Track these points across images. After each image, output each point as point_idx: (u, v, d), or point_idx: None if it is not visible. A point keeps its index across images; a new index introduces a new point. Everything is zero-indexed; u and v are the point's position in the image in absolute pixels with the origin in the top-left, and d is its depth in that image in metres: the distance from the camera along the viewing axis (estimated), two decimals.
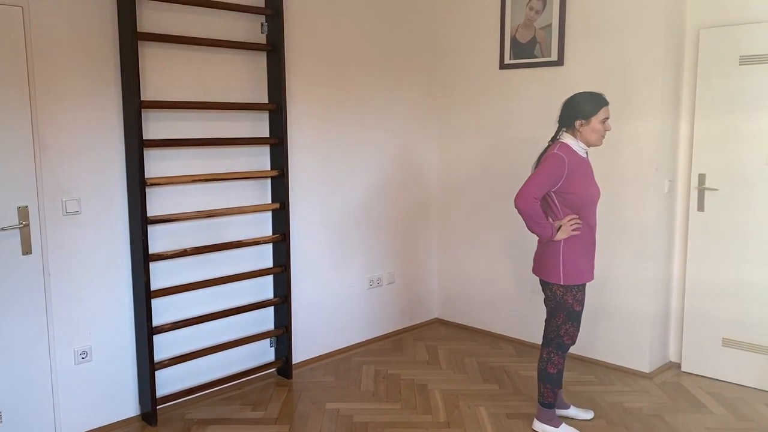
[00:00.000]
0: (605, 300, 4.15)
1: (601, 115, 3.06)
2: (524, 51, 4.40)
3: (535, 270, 3.25)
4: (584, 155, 3.14)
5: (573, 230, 3.08)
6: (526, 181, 3.06)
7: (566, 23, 4.17)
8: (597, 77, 4.07)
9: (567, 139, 3.13)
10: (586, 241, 3.14)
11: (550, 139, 3.25)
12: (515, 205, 3.05)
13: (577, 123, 3.09)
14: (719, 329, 3.92)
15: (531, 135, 4.42)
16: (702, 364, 4.01)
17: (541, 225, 3.06)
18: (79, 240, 3.12)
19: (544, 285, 3.23)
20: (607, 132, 3.12)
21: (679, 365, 4.14)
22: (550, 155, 3.09)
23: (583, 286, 3.17)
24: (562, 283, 3.12)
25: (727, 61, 3.76)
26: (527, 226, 3.09)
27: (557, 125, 3.20)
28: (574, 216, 3.09)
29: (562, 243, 3.11)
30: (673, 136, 3.99)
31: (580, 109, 3.08)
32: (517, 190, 3.05)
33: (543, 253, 3.19)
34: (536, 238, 3.24)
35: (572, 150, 3.09)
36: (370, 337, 4.61)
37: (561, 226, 3.08)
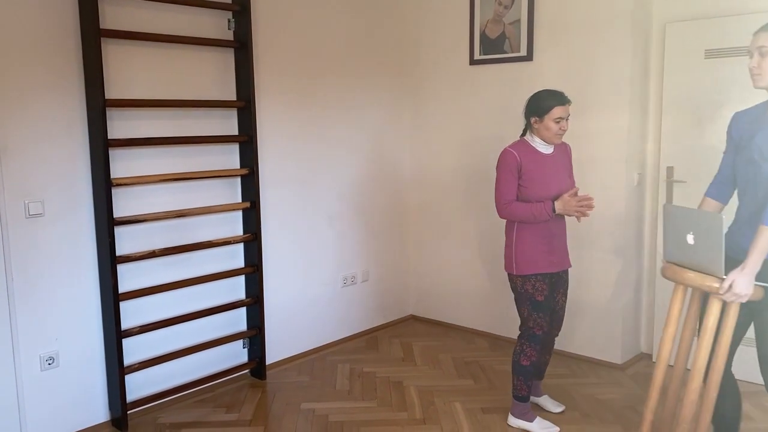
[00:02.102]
0: (577, 293, 4.18)
1: (555, 113, 3.07)
2: (494, 46, 4.41)
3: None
4: (547, 150, 3.17)
5: (579, 207, 3.05)
6: (495, 190, 3.16)
7: (534, 18, 4.19)
8: (566, 72, 4.09)
9: (528, 134, 3.20)
10: (543, 232, 3.15)
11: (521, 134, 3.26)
12: (500, 217, 3.16)
13: (532, 119, 3.14)
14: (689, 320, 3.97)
15: (501, 130, 4.43)
16: (673, 355, 4.06)
17: (533, 212, 3.07)
18: (43, 243, 3.04)
19: (508, 276, 3.26)
20: (563, 130, 3.13)
21: (650, 356, 4.19)
22: (501, 153, 3.17)
23: (544, 276, 3.17)
24: (515, 273, 3.16)
25: (692, 55, 3.81)
26: (529, 222, 3.12)
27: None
28: (575, 189, 3.12)
29: (515, 233, 3.16)
30: (641, 129, 4.04)
31: (536, 107, 3.13)
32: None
33: (504, 245, 3.24)
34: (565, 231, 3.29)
35: (528, 145, 3.16)
36: (344, 336, 4.59)
37: (559, 197, 3.10)
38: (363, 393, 3.73)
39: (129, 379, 3.36)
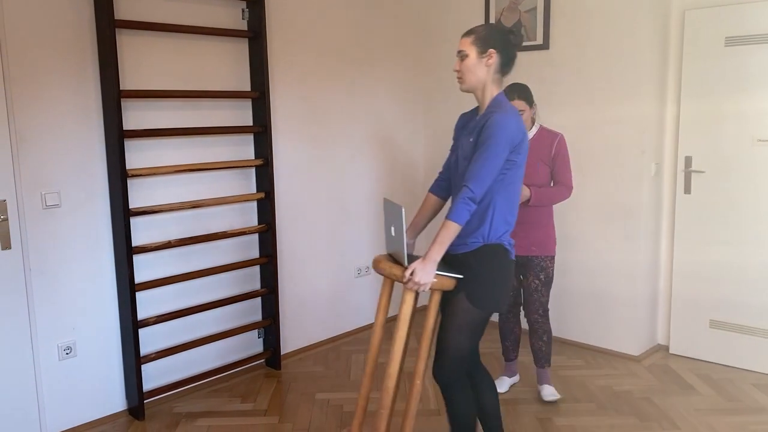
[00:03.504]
0: (593, 284, 4.15)
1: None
2: None
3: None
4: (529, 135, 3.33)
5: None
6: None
7: (551, 6, 4.13)
8: (582, 61, 4.04)
9: None
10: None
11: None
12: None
13: None
14: (707, 311, 3.94)
15: None
16: (690, 346, 4.03)
17: (556, 194, 3.29)
18: (60, 234, 3.06)
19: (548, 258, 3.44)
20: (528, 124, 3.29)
21: (667, 348, 4.16)
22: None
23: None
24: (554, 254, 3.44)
25: (712, 42, 3.75)
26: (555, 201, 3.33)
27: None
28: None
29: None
30: (659, 118, 3.98)
31: None
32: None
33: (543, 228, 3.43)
34: (541, 220, 3.38)
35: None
36: (358, 326, 4.59)
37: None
38: (378, 383, 3.73)
39: (145, 368, 3.39)
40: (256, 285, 3.91)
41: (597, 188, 4.07)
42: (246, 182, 3.79)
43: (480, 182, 2.29)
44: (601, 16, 3.94)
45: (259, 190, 3.81)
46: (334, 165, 4.28)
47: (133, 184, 3.26)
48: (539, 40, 4.20)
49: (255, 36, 3.62)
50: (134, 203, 3.26)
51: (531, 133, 3.32)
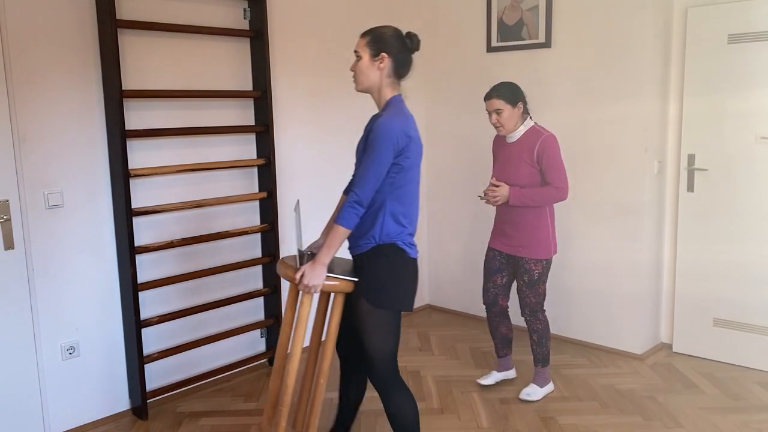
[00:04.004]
0: (596, 282, 4.14)
1: (486, 107, 3.35)
2: (511, 33, 4.35)
3: None
4: (510, 140, 3.37)
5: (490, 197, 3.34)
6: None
7: (553, 4, 4.13)
8: (585, 59, 4.03)
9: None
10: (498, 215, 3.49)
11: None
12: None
13: None
14: (710, 309, 3.93)
15: None
16: (693, 344, 4.02)
17: (541, 195, 3.27)
18: (62, 233, 3.06)
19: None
20: (494, 123, 3.35)
21: (670, 346, 4.15)
22: None
23: (490, 248, 3.53)
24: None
25: (715, 39, 3.74)
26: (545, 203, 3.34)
27: None
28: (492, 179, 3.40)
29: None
30: (662, 116, 3.97)
31: None
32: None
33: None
34: (530, 222, 3.37)
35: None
36: None
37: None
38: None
39: (148, 368, 3.39)
40: (259, 284, 3.91)
41: (600, 186, 4.06)
42: (248, 182, 3.79)
43: (365, 187, 2.32)
44: (603, 14, 3.93)
45: (261, 189, 3.81)
46: (336, 164, 4.28)
47: (135, 184, 3.27)
48: (541, 39, 4.19)
49: (256, 35, 3.62)
50: (137, 203, 3.26)
51: (518, 134, 3.32)
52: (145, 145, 3.31)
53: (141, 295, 3.29)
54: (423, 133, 4.93)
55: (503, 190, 3.28)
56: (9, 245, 2.89)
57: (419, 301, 5.06)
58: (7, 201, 2.86)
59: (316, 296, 2.55)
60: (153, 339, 3.42)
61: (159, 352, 3.41)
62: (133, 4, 3.21)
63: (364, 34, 2.49)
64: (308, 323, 2.52)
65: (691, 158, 3.92)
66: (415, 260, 2.52)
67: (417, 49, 2.51)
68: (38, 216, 2.98)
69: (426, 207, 5.01)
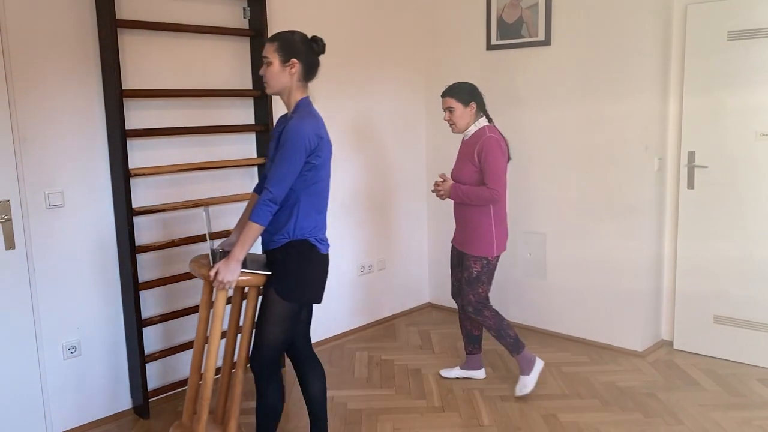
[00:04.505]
0: (597, 280, 4.14)
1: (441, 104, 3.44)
2: (511, 31, 4.35)
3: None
4: (464, 138, 3.46)
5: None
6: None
7: (552, 2, 4.13)
8: (584, 56, 4.03)
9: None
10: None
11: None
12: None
13: None
14: (710, 306, 3.93)
15: (519, 116, 4.40)
16: (694, 341, 4.03)
17: (475, 194, 3.33)
18: (63, 233, 3.07)
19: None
20: (447, 121, 3.43)
21: (671, 343, 4.15)
22: None
23: (452, 244, 3.60)
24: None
25: (715, 36, 3.73)
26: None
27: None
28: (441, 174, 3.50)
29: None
30: (662, 113, 3.97)
31: None
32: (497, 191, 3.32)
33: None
34: (471, 219, 3.45)
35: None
36: (362, 324, 4.60)
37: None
38: (381, 381, 3.74)
39: (150, 367, 3.39)
40: None
41: (600, 184, 4.06)
42: (248, 181, 3.79)
43: (278, 185, 2.42)
44: (603, 12, 3.93)
45: None
46: (335, 163, 4.26)
47: (135, 184, 3.27)
48: (541, 37, 4.19)
49: (256, 35, 3.62)
50: (137, 202, 3.27)
51: (469, 133, 3.40)
52: (145, 145, 3.31)
53: (142, 294, 3.29)
54: (423, 131, 4.94)
55: (446, 185, 3.41)
56: (10, 245, 2.89)
57: (420, 300, 5.07)
58: (8, 201, 2.87)
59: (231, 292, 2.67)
60: (154, 338, 3.43)
61: (160, 352, 3.41)
62: (133, 4, 3.21)
63: (272, 40, 2.55)
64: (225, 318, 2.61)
65: (691, 155, 3.92)
66: (325, 256, 2.64)
67: (323, 52, 2.63)
68: (39, 216, 2.98)
69: (427, 205, 5.01)
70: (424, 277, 5.09)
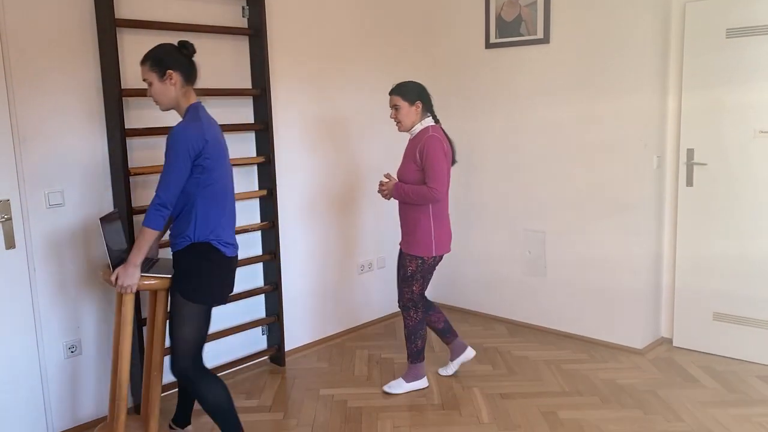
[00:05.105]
0: (596, 277, 4.15)
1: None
2: (510, 29, 4.36)
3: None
4: (410, 137, 3.45)
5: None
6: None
7: (551, 0, 4.13)
8: (583, 54, 4.04)
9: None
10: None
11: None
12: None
13: None
14: (710, 304, 3.93)
15: (517, 114, 4.40)
16: (693, 338, 4.03)
17: (416, 193, 3.33)
18: (63, 232, 3.07)
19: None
20: (396, 121, 3.42)
21: (670, 340, 4.16)
22: None
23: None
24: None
25: (713, 34, 3.74)
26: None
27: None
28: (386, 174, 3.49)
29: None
30: (660, 111, 3.98)
31: None
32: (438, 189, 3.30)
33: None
34: (410, 217, 3.45)
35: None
36: (362, 322, 4.60)
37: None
38: (381, 379, 3.75)
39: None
40: (260, 282, 3.92)
41: (599, 182, 4.07)
42: (248, 180, 3.80)
43: (165, 190, 2.49)
44: (602, 10, 3.93)
45: (261, 187, 3.82)
46: (336, 161, 4.29)
47: (135, 183, 3.27)
48: (540, 35, 4.20)
49: (255, 33, 3.62)
50: (137, 202, 3.27)
51: (415, 132, 3.40)
52: (145, 144, 3.31)
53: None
54: None
55: (390, 184, 3.42)
56: (10, 244, 2.90)
57: None
58: (8, 200, 2.87)
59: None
60: None
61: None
62: (132, 3, 3.21)
63: (143, 62, 2.59)
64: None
65: (690, 153, 3.92)
66: (230, 258, 2.70)
67: (194, 52, 2.66)
68: (39, 215, 2.99)
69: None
70: None
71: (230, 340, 3.78)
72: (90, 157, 3.13)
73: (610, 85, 3.94)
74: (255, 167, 3.81)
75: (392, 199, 3.45)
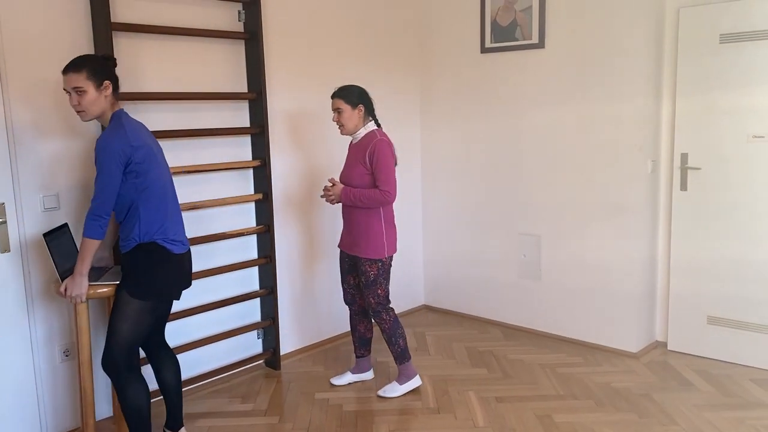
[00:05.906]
0: (591, 281, 4.16)
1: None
2: (505, 34, 4.37)
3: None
4: (353, 141, 3.47)
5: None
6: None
7: (546, 5, 4.15)
8: (578, 59, 4.06)
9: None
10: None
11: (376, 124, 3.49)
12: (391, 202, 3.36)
13: None
14: (704, 307, 3.95)
15: (512, 119, 4.41)
16: (688, 342, 4.05)
17: (367, 196, 3.34)
18: None
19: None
20: (336, 122, 3.42)
21: (665, 344, 4.17)
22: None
23: (340, 249, 3.60)
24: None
25: (707, 39, 3.76)
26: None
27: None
28: (330, 179, 3.47)
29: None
30: (655, 116, 4.00)
31: None
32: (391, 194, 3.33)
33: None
34: (361, 221, 3.44)
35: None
36: None
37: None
38: (377, 383, 3.74)
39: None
40: (255, 286, 3.92)
41: (594, 186, 4.08)
42: (244, 183, 3.80)
43: (99, 199, 2.55)
44: (596, 15, 3.95)
45: (257, 191, 3.82)
46: (331, 165, 4.29)
47: None
48: (535, 39, 4.22)
49: (251, 37, 3.63)
50: None
51: (359, 135, 3.41)
52: None
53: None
54: (417, 133, 4.95)
55: (336, 189, 3.42)
56: (5, 248, 2.89)
57: (416, 302, 5.08)
58: (3, 204, 2.86)
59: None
60: None
61: None
62: (128, 7, 3.21)
63: (77, 70, 2.55)
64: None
65: (684, 157, 3.94)
66: (177, 255, 2.75)
67: (116, 63, 2.73)
68: (34, 219, 2.98)
69: (421, 207, 5.03)
70: (419, 280, 5.10)
71: (225, 343, 3.78)
72: (85, 161, 3.13)
73: (605, 90, 3.96)
74: (251, 171, 3.82)
75: (337, 203, 3.47)
